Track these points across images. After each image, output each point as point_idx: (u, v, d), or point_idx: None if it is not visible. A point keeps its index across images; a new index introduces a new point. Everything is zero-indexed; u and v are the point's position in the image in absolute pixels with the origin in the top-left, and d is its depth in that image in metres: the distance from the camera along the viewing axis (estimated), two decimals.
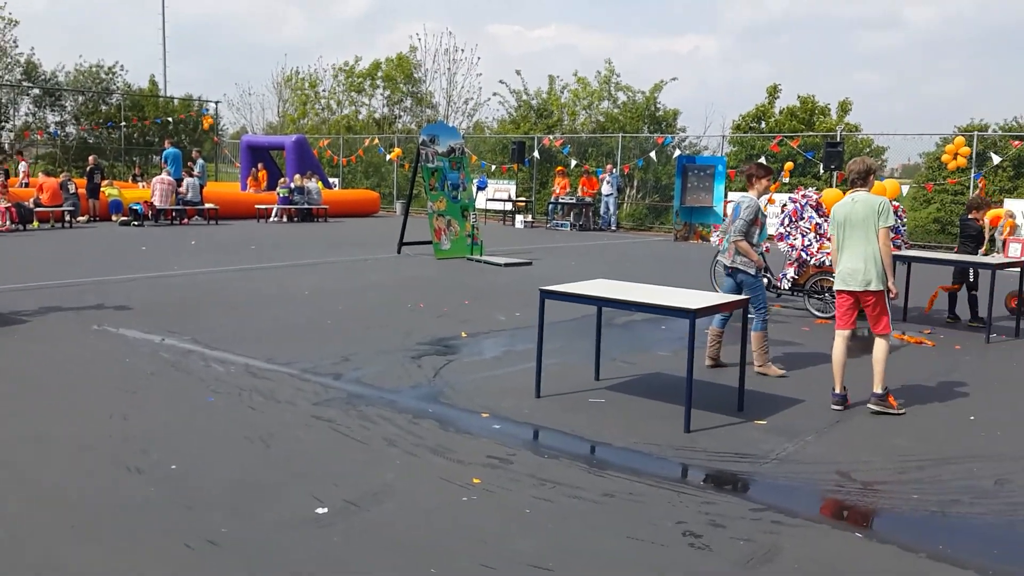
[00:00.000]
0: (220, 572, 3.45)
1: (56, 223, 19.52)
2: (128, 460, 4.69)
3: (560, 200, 24.10)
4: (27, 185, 22.07)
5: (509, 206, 25.73)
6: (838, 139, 20.94)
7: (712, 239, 11.68)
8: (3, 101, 33.88)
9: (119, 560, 3.53)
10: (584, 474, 4.69)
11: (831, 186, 18.75)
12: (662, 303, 5.64)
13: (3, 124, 33.49)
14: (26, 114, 34.82)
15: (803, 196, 10.38)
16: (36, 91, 34.72)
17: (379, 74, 36.25)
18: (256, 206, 23.22)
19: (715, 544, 3.84)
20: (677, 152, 23.30)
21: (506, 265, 14.46)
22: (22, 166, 23.75)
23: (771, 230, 11.28)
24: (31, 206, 19.19)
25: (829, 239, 9.99)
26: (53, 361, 6.94)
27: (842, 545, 3.89)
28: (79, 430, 5.19)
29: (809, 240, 10.05)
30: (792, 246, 10.15)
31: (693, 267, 14.50)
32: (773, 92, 26.51)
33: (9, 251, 14.56)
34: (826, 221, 10.14)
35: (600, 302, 6.06)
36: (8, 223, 18.36)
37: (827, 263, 9.88)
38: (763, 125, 26.34)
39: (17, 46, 34.55)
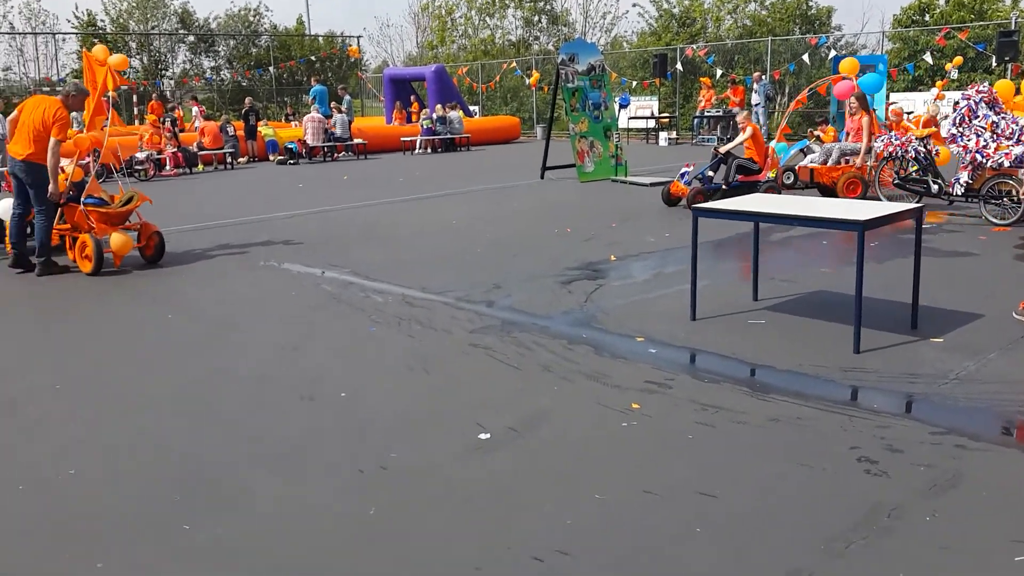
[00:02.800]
0: (394, 494, 3.58)
1: (219, 165, 20.55)
2: (301, 390, 4.93)
3: (706, 113, 23.23)
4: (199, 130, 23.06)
5: (652, 123, 25.05)
6: (1012, 27, 19.05)
7: (876, 144, 10.94)
8: (162, 51, 35.67)
9: (298, 485, 3.72)
10: (747, 398, 4.55)
11: (1006, 79, 17.16)
12: (827, 215, 5.33)
13: (163, 72, 35.30)
14: (184, 61, 36.59)
15: (977, 92, 9.52)
16: (191, 39, 36.33)
17: None
18: (402, 139, 23.62)
19: (893, 470, 3.66)
20: (833, 53, 21.90)
21: (652, 185, 14.13)
22: (195, 110, 24.83)
23: (943, 131, 10.47)
24: (195, 150, 20.27)
25: (1008, 137, 9.21)
26: (225, 297, 7.34)
27: None
28: (254, 363, 5.49)
29: (985, 140, 9.24)
30: (966, 148, 9.38)
31: None
32: None
33: (178, 193, 15.47)
34: (1003, 119, 9.30)
35: (758, 217, 5.79)
36: (175, 168, 19.47)
37: (1005, 165, 9.09)
38: (927, 18, 24.31)
39: None
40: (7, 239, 8.81)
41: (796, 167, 11.94)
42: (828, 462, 3.75)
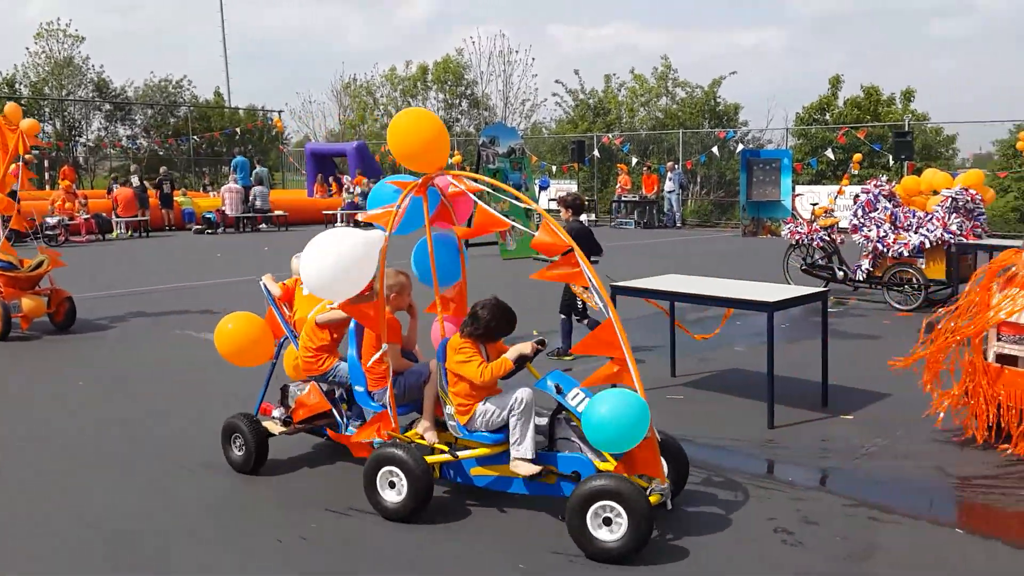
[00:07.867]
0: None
1: (134, 232, 20.06)
2: (209, 458, 4.79)
3: (623, 198, 23.93)
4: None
5: None
6: (906, 128, 20.40)
7: (783, 232, 11.43)
8: (76, 117, 35.00)
9: (229, 554, 3.61)
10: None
11: (901, 176, 18.26)
12: (739, 297, 5.55)
13: (77, 139, 34.58)
14: (98, 129, 35.92)
15: (876, 186, 10.13)
16: (107, 106, 35.76)
17: (428, 78, 36.70)
18: (323, 212, 23.54)
19: (809, 541, 3.76)
20: (740, 146, 22.96)
21: None
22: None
23: (844, 222, 11.04)
24: (109, 216, 19.78)
25: (906, 228, 9.78)
26: (141, 363, 7.13)
27: (944, 541, 3.77)
28: (167, 431, 5.33)
29: (884, 231, 9.79)
30: (867, 237, 9.91)
31: (764, 262, 14.23)
32: (836, 83, 25.97)
33: (92, 260, 15.01)
34: (901, 211, 9.88)
35: (674, 297, 5.99)
36: (87, 233, 18.93)
37: (904, 254, 9.62)
38: (827, 117, 25.79)
39: (89, 63, 35.64)
40: None
41: None
42: (747, 533, 3.83)
